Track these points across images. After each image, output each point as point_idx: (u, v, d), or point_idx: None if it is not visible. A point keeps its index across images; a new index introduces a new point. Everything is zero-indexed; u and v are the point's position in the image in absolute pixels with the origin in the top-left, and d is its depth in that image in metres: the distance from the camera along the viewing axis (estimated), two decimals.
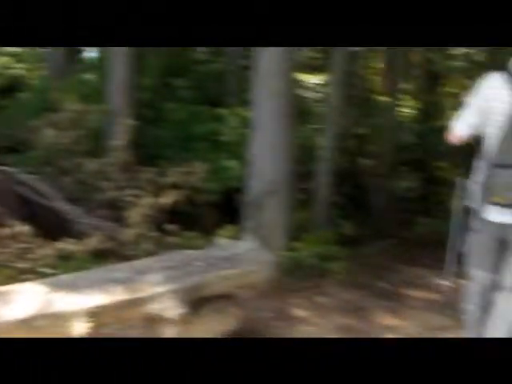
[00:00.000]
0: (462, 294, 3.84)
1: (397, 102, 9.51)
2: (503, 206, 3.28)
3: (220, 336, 3.42)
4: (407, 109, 12.11)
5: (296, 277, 4.75)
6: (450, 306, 4.71)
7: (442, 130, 10.89)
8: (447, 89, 13.80)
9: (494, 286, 3.58)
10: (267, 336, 3.76)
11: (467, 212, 3.61)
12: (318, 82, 10.15)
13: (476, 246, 3.56)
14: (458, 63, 12.79)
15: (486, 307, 3.64)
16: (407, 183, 9.86)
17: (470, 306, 3.70)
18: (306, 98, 9.82)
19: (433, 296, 5.01)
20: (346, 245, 5.70)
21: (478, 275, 3.61)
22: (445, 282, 5.42)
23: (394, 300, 4.72)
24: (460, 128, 3.52)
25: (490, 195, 3.29)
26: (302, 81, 9.94)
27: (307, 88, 10.18)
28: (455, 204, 4.48)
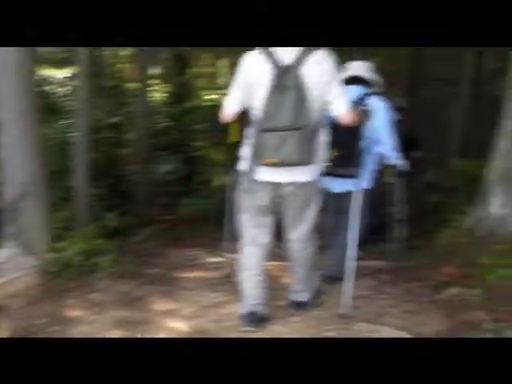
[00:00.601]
0: (238, 265, 4.05)
1: (148, 88, 9.50)
2: (274, 166, 3.66)
3: None
4: (159, 93, 12.21)
5: (65, 277, 4.58)
6: (225, 281, 4.87)
7: (195, 110, 11.11)
8: (197, 69, 14.15)
9: (269, 249, 4.04)
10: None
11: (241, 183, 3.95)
12: (65, 75, 9.86)
13: (248, 208, 3.95)
14: None
15: (262, 271, 4.02)
16: (168, 167, 9.94)
17: (246, 272, 4.03)
18: (54, 93, 9.53)
19: (206, 274, 5.12)
20: (113, 237, 5.63)
21: (250, 236, 3.99)
22: (220, 258, 5.59)
23: (168, 284, 4.74)
24: (230, 105, 3.92)
25: (261, 158, 3.65)
26: (48, 76, 9.63)
27: (55, 83, 9.87)
28: (230, 181, 4.73)
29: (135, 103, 9.09)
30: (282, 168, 3.71)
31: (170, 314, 4.11)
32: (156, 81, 12.02)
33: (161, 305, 4.27)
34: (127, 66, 13.75)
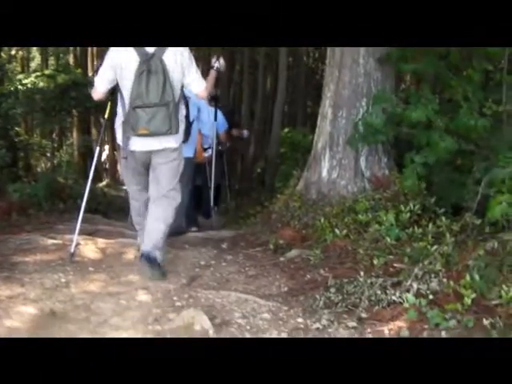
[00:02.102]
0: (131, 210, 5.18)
1: None
2: (146, 136, 4.47)
3: None
4: None
5: None
6: (66, 262, 4.78)
7: (12, 94, 10.64)
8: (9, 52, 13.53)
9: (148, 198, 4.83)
10: None
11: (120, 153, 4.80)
12: None
13: (129, 171, 4.87)
14: None
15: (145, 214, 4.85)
16: None
17: (136, 217, 5.06)
18: None
19: (45, 257, 4.98)
20: None
21: (134, 192, 4.98)
22: (55, 240, 5.45)
23: (8, 270, 4.55)
24: (100, 84, 4.69)
25: (136, 129, 4.43)
26: None
27: None
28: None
29: None
30: (152, 137, 4.50)
31: (16, 298, 3.95)
32: None
33: (4, 290, 4.08)
34: None
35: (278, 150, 9.60)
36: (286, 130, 10.08)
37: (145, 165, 4.76)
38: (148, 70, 4.34)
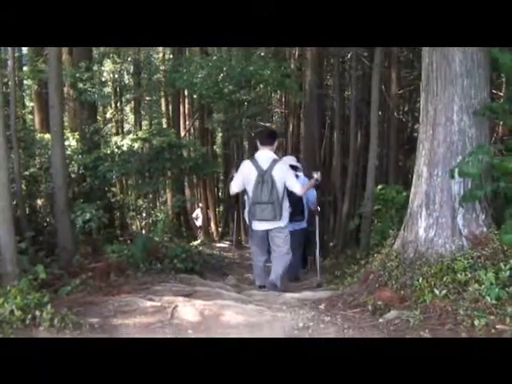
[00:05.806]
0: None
1: (63, 137, 9.29)
2: (262, 220, 7.24)
3: None
4: (70, 141, 12.01)
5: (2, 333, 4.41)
6: (166, 324, 4.83)
7: (107, 157, 10.94)
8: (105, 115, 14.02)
9: (266, 260, 7.80)
10: None
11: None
12: None
13: (253, 241, 7.65)
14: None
15: (265, 271, 7.77)
16: (87, 215, 9.72)
17: (256, 270, 7.88)
18: None
19: (145, 319, 5.05)
20: (44, 290, 5.48)
21: (257, 255, 7.76)
22: (153, 302, 5.52)
23: (110, 332, 4.64)
24: (234, 186, 7.52)
25: (255, 217, 7.22)
26: None
27: None
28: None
29: (52, 153, 8.81)
30: (266, 221, 7.23)
31: None
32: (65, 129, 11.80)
33: None
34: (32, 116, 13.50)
35: (373, 207, 9.51)
36: (380, 186, 9.97)
37: (263, 238, 7.51)
38: (262, 181, 7.04)
